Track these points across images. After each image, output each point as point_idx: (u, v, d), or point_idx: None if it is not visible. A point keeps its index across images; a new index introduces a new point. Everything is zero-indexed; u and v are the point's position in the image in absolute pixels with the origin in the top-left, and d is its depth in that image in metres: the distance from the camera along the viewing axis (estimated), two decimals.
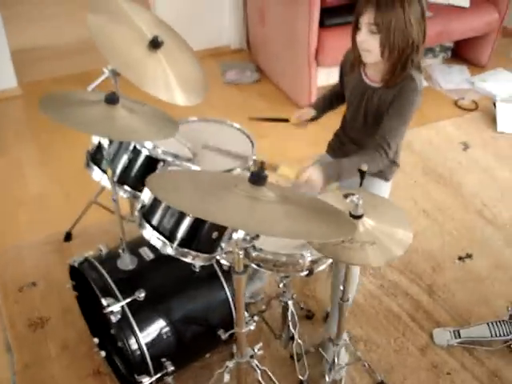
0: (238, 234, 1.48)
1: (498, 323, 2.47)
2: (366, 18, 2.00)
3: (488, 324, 2.47)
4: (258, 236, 1.53)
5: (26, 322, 2.56)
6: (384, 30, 1.97)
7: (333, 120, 2.46)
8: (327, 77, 3.92)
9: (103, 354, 2.27)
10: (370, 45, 2.03)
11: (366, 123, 2.25)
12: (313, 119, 2.41)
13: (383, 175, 2.32)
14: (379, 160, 2.09)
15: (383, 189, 2.35)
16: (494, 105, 4.09)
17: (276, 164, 1.96)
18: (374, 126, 2.18)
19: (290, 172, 1.99)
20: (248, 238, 1.50)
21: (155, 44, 2.24)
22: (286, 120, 2.37)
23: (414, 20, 1.98)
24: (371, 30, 2.00)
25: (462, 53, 4.75)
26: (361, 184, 1.73)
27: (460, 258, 2.90)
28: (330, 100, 2.46)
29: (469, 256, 2.91)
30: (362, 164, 1.78)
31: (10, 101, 4.19)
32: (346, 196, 1.79)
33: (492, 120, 4.02)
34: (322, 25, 3.71)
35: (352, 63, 2.22)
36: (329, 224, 1.52)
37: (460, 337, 2.46)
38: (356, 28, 2.07)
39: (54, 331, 2.53)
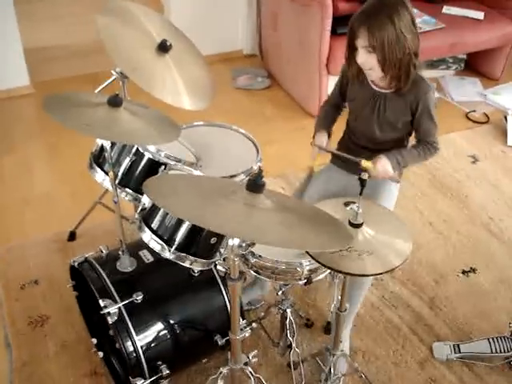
0: (234, 241, 1.48)
1: (499, 339, 2.44)
2: (361, 42, 2.08)
3: (489, 340, 2.45)
4: (253, 243, 1.52)
5: (26, 320, 2.57)
6: (379, 49, 2.05)
7: (337, 129, 2.46)
8: None
9: (101, 354, 2.27)
10: (370, 64, 2.11)
11: (382, 131, 2.30)
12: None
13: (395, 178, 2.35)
14: (431, 154, 2.28)
15: (394, 191, 2.39)
16: (506, 118, 4.06)
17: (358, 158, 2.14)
18: (388, 130, 2.28)
19: (369, 164, 2.14)
20: (244, 244, 1.49)
21: (164, 48, 2.25)
22: (312, 170, 2.39)
23: (406, 31, 2.05)
24: (368, 50, 2.08)
25: (475, 65, 4.72)
26: (361, 193, 1.72)
27: (464, 272, 2.88)
28: (333, 116, 2.47)
29: (473, 270, 2.89)
30: (418, 157, 2.23)
31: (22, 99, 4.21)
32: (346, 204, 1.79)
33: (502, 134, 3.99)
34: (333, 33, 3.70)
35: (357, 75, 2.24)
36: (325, 233, 1.51)
37: (460, 351, 2.43)
38: (351, 48, 2.15)
39: (53, 330, 2.53)
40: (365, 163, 2.13)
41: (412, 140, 2.38)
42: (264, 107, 4.19)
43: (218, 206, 1.42)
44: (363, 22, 2.04)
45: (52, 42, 4.98)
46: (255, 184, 1.46)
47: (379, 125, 2.28)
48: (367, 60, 2.10)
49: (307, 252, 1.71)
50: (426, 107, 2.20)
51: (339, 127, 2.48)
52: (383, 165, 2.15)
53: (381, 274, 1.68)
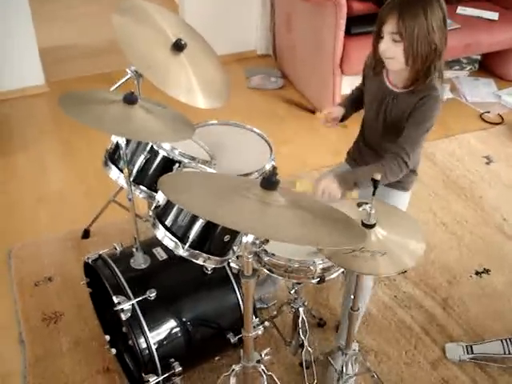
0: (248, 238, 1.48)
1: None
2: (389, 27, 2.01)
3: (502, 341, 2.44)
4: (267, 240, 1.53)
5: (40, 317, 2.59)
6: (407, 38, 1.98)
7: (354, 129, 2.45)
8: (352, 86, 3.89)
9: (114, 351, 2.28)
10: (393, 53, 2.04)
11: (385, 128, 2.24)
12: (342, 120, 2.39)
13: (401, 185, 2.30)
14: (397, 170, 2.07)
15: (402, 199, 2.34)
16: None
17: (293, 180, 1.98)
18: (393, 132, 2.18)
19: (308, 186, 2.03)
20: (257, 242, 1.50)
21: (178, 46, 2.26)
22: (313, 111, 2.35)
23: (437, 26, 1.98)
24: (394, 38, 2.01)
25: (489, 66, 4.70)
26: (373, 193, 1.72)
27: (477, 273, 2.87)
28: (357, 101, 2.44)
29: (486, 271, 2.88)
30: (379, 173, 1.77)
31: (37, 97, 4.25)
32: (359, 205, 1.78)
33: None
34: (348, 33, 3.70)
35: (374, 67, 2.22)
36: (339, 232, 1.51)
37: (473, 352, 2.42)
38: (378, 36, 2.07)
39: (67, 327, 2.55)
40: (299, 186, 2.06)
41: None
42: (277, 107, 4.19)
43: (233, 202, 1.43)
44: (395, 7, 1.98)
45: (67, 41, 5.03)
46: (270, 181, 1.47)
47: (384, 121, 2.23)
48: (391, 48, 2.03)
49: (320, 251, 1.71)
50: (423, 115, 2.09)
51: (353, 128, 2.48)
52: (327, 185, 1.99)
53: (404, 272, 1.67)
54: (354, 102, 2.45)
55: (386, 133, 2.24)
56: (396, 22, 1.98)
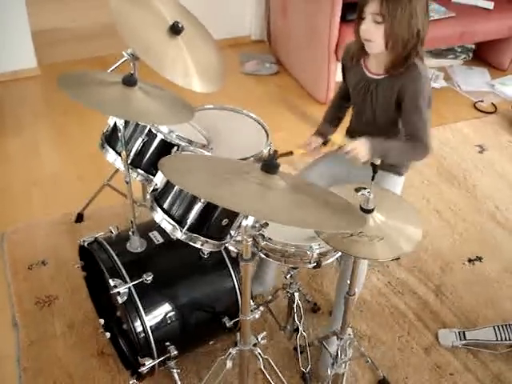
0: (248, 221, 1.48)
1: (505, 327, 2.45)
2: (372, 8, 1.97)
3: (494, 327, 2.46)
4: (266, 224, 1.53)
5: (33, 300, 2.58)
6: (389, 20, 1.95)
7: (346, 118, 2.46)
8: None
9: (108, 335, 2.28)
10: (373, 34, 2.01)
11: (374, 117, 2.24)
12: (324, 143, 2.34)
13: (396, 170, 2.32)
14: (420, 154, 2.14)
15: (396, 183, 2.35)
16: None
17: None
18: (384, 118, 2.20)
19: (340, 139, 2.10)
20: (257, 225, 1.50)
21: (175, 29, 2.23)
22: (291, 153, 2.34)
23: (420, 11, 1.97)
24: (376, 19, 1.98)
25: (483, 55, 4.71)
26: (373, 178, 1.72)
27: (470, 260, 2.89)
28: (338, 112, 2.45)
29: (479, 258, 2.89)
30: (407, 153, 2.07)
31: (29, 80, 4.22)
32: (357, 190, 1.78)
33: (510, 124, 3.99)
34: (343, 19, 3.68)
35: (352, 56, 2.20)
36: (338, 216, 1.52)
37: (465, 338, 2.44)
38: (360, 18, 2.04)
39: (60, 310, 2.55)
40: (335, 138, 2.12)
41: None
42: (271, 93, 4.19)
43: (233, 185, 1.43)
44: None
45: (59, 24, 4.98)
46: (270, 165, 1.47)
47: (372, 110, 2.22)
48: (372, 30, 1.99)
49: (319, 235, 1.71)
50: (414, 100, 2.08)
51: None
52: (359, 145, 2.02)
53: (397, 258, 1.68)
54: (334, 118, 2.45)
55: (376, 120, 2.24)
56: (379, 2, 1.94)
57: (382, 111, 2.20)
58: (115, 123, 2.12)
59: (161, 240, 2.14)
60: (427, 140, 2.10)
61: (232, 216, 1.87)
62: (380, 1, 1.94)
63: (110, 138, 2.21)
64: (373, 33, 2.00)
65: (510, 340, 2.42)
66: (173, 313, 2.06)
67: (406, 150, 2.16)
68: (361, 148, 2.02)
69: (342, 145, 2.07)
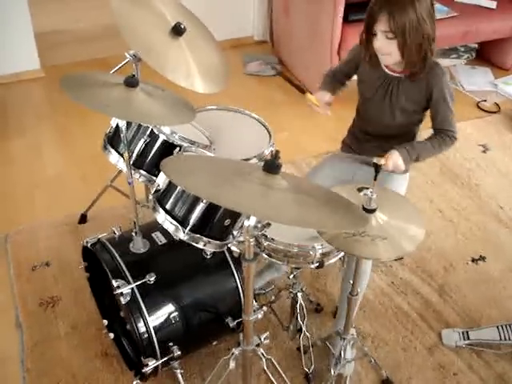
0: (250, 221, 1.48)
1: (508, 327, 2.45)
2: (381, 26, 2.05)
3: (498, 327, 2.46)
4: (269, 224, 1.53)
5: (37, 301, 2.59)
6: (400, 34, 2.03)
7: (350, 116, 2.47)
8: None
9: (111, 335, 2.28)
10: (388, 49, 2.10)
11: (392, 116, 2.28)
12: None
13: None
14: (447, 145, 2.21)
15: (401, 181, 2.37)
16: None
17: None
18: (402, 117, 2.25)
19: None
20: (259, 225, 1.50)
21: (178, 30, 2.24)
22: (303, 91, 2.36)
23: (426, 14, 2.04)
24: (387, 36, 2.06)
25: (486, 55, 4.70)
26: (375, 178, 1.72)
27: (473, 260, 2.88)
28: (341, 79, 2.46)
29: (482, 258, 2.89)
30: (437, 147, 2.18)
31: (32, 82, 4.23)
32: (359, 190, 1.79)
33: None
34: (345, 19, 3.68)
35: (370, 55, 2.22)
36: (341, 215, 1.52)
37: (469, 338, 2.44)
38: (370, 33, 2.11)
39: (64, 311, 2.55)
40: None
41: (422, 128, 2.37)
42: (274, 94, 4.19)
43: (235, 185, 1.43)
44: (384, 6, 2.01)
45: (62, 26, 4.99)
46: (272, 165, 1.47)
47: (391, 110, 2.27)
48: (385, 45, 2.08)
49: (322, 235, 1.71)
50: (441, 93, 2.18)
51: (349, 115, 2.48)
52: (395, 160, 2.11)
53: (400, 258, 1.68)
54: (339, 81, 2.45)
55: (392, 116, 2.28)
56: (387, 20, 2.02)
57: (402, 111, 2.26)
58: (117, 124, 2.12)
59: (163, 241, 2.14)
60: (455, 128, 2.21)
61: (234, 216, 1.87)
62: (387, 18, 2.01)
63: (113, 139, 2.21)
64: (388, 48, 2.09)
65: None
66: (176, 313, 2.06)
67: (434, 146, 2.22)
68: (397, 163, 2.11)
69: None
